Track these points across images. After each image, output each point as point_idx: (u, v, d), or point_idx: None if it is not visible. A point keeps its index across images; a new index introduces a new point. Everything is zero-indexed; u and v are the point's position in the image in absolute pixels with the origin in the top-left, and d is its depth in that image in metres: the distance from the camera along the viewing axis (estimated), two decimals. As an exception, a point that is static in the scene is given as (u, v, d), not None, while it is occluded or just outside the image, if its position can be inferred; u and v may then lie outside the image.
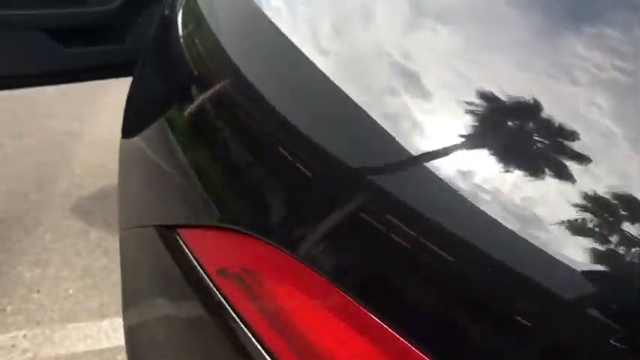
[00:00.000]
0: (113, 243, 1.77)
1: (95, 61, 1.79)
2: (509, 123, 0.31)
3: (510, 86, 0.31)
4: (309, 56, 0.38)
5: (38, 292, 1.56)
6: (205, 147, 0.47)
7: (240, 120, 0.43)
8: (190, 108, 0.49)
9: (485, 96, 0.31)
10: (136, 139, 0.61)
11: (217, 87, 0.46)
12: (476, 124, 0.31)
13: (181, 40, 0.55)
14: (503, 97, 0.31)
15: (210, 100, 0.46)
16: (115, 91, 2.83)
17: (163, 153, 0.52)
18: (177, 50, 0.55)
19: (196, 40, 0.53)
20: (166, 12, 0.64)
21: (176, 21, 0.58)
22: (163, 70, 0.59)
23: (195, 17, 0.56)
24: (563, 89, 0.31)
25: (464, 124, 0.31)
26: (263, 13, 0.45)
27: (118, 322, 1.49)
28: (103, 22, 1.74)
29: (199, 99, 0.48)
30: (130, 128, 0.65)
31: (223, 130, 0.45)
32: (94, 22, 1.72)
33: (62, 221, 1.88)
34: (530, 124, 0.30)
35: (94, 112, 2.70)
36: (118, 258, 1.83)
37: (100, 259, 1.71)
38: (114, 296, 1.55)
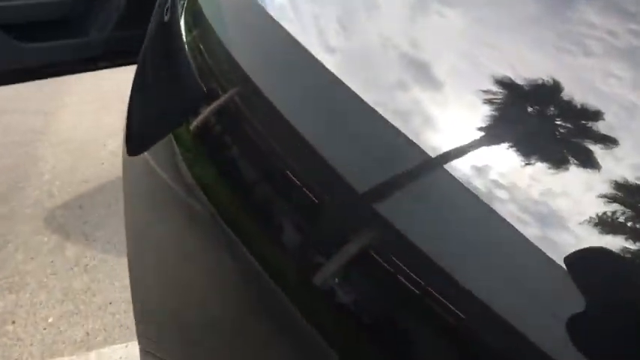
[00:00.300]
0: (93, 259, 1.62)
1: (57, 56, 1.62)
2: (532, 115, 0.30)
3: (523, 68, 0.30)
4: (325, 63, 0.36)
5: (13, 322, 1.41)
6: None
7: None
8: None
9: (502, 84, 0.30)
10: (152, 175, 0.54)
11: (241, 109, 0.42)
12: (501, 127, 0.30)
13: (186, 47, 0.52)
14: (519, 83, 0.30)
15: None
16: (78, 85, 2.63)
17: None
18: (182, 57, 0.51)
19: (202, 47, 0.51)
20: (166, 18, 0.60)
21: (179, 27, 0.55)
22: (168, 79, 0.56)
23: (199, 23, 0.53)
24: (579, 63, 0.30)
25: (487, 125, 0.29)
26: (270, 16, 0.43)
27: (108, 355, 1.37)
28: (64, 14, 1.56)
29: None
30: (136, 146, 0.60)
31: None
32: (53, 15, 1.54)
33: (34, 236, 1.71)
34: (552, 111, 0.29)
35: (57, 107, 2.49)
36: (100, 276, 1.68)
37: (80, 278, 1.56)
38: (100, 322, 1.42)
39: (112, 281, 1.56)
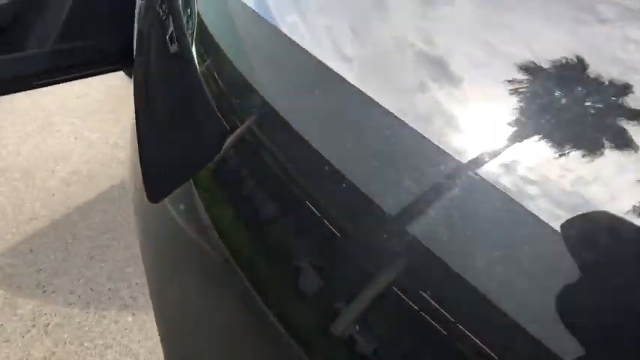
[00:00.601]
0: (54, 316, 1.36)
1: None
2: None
3: (542, 47, 0.30)
4: (357, 86, 0.35)
5: (-41, 413, 1.14)
6: None
7: None
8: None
9: (525, 69, 0.29)
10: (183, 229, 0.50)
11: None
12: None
13: (201, 78, 0.49)
14: (541, 65, 0.29)
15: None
16: (15, 103, 2.30)
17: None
18: (201, 93, 0.48)
19: (220, 80, 0.47)
20: (172, 49, 0.56)
21: (192, 59, 0.51)
22: (187, 116, 0.53)
23: (214, 54, 0.50)
24: (596, 33, 0.30)
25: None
26: (292, 41, 0.41)
27: None
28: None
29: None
30: (158, 192, 0.56)
31: None
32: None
33: (-23, 294, 1.42)
34: (580, 92, 0.28)
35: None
36: (65, 337, 1.40)
37: (40, 342, 1.29)
38: (71, 399, 1.16)
39: (81, 342, 1.30)
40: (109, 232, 1.63)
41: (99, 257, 1.54)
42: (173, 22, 0.56)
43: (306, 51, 0.39)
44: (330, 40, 0.39)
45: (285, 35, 0.42)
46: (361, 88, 0.34)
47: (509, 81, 0.29)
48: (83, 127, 2.17)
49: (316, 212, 0.34)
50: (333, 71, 0.36)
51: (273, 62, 0.44)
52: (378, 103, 0.33)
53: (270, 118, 0.39)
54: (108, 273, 1.49)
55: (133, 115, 0.62)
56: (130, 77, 2.02)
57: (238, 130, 0.42)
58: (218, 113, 0.44)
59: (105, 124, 2.20)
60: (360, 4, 0.40)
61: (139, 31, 0.66)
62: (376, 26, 0.38)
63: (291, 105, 0.39)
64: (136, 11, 0.72)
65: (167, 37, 0.57)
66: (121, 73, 1.45)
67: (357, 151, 0.34)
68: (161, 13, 0.62)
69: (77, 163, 1.94)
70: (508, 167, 0.27)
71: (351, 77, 0.35)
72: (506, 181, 0.27)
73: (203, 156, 0.46)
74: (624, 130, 0.26)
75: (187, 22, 0.55)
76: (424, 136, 0.30)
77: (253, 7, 0.48)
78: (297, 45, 0.40)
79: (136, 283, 1.44)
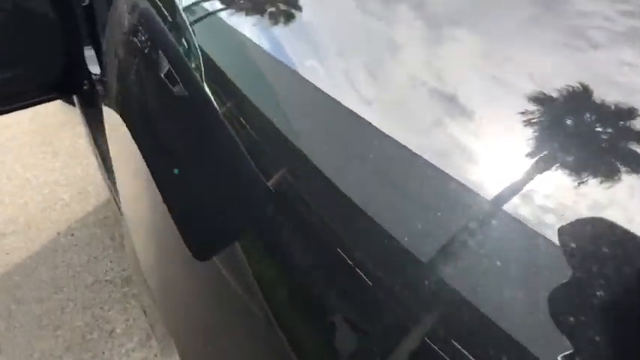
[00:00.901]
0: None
1: None
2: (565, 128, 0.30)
3: (544, 78, 0.31)
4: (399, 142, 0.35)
5: None
6: None
7: None
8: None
9: (534, 100, 0.30)
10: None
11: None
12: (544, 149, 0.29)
13: (224, 120, 0.48)
14: (548, 95, 0.30)
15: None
16: None
17: None
18: (232, 144, 0.47)
19: (245, 122, 0.47)
20: (177, 90, 0.52)
21: (209, 102, 0.50)
22: (221, 170, 0.50)
23: (234, 99, 0.49)
24: (591, 56, 0.31)
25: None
26: (313, 84, 0.42)
27: None
28: None
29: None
30: (205, 252, 0.52)
31: None
32: None
33: None
34: (589, 119, 0.29)
35: None
36: None
37: None
38: None
39: None
40: (60, 290, 1.38)
41: (52, 324, 1.30)
42: (168, 58, 0.51)
43: (330, 96, 0.40)
44: (349, 83, 0.40)
45: (307, 80, 0.43)
46: (384, 130, 0.35)
47: (521, 113, 0.30)
48: (16, 164, 1.89)
49: (349, 261, 0.33)
50: (358, 115, 0.37)
51: (297, 108, 0.44)
52: (401, 143, 0.34)
53: (302, 168, 0.39)
54: (66, 342, 1.25)
55: (130, 163, 0.56)
56: (71, 104, 1.75)
57: (273, 181, 0.41)
58: (256, 169, 0.43)
59: (42, 158, 1.93)
60: (373, 45, 0.42)
61: (119, 67, 0.61)
62: (390, 67, 0.39)
63: (320, 154, 0.39)
64: (105, 42, 0.64)
65: (162, 74, 0.51)
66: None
67: (388, 198, 0.34)
68: (140, 44, 0.55)
69: (12, 209, 1.66)
70: (528, 198, 0.28)
71: (372, 119, 0.36)
72: (525, 212, 0.27)
73: (248, 217, 0.45)
74: (637, 153, 0.27)
75: (187, 56, 0.51)
76: (447, 174, 0.30)
77: (271, 52, 0.48)
78: (320, 89, 0.41)
79: (103, 352, 1.22)
